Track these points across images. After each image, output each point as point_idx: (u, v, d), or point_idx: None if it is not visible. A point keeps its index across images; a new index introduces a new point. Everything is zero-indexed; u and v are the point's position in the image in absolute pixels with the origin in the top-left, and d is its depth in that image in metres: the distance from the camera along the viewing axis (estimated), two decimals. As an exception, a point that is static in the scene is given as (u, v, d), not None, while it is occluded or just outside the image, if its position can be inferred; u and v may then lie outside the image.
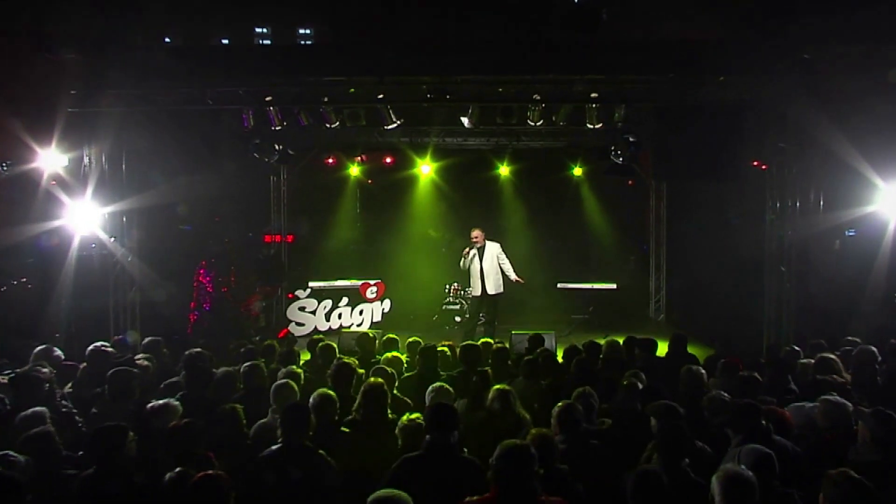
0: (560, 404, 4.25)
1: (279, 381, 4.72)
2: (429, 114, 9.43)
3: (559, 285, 11.12)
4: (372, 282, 10.93)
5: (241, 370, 5.18)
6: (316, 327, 10.49)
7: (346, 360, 5.14)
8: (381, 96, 7.98)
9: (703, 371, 5.23)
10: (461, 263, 9.40)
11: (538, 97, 7.86)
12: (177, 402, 4.28)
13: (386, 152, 12.30)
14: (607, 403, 5.06)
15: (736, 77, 7.41)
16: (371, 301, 10.82)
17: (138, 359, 5.68)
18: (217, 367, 5.52)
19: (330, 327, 10.51)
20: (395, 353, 6.25)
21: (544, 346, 7.24)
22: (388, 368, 5.42)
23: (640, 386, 5.08)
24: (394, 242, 12.54)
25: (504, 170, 12.26)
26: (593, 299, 11.42)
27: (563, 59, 7.50)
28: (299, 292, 10.64)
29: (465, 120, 8.23)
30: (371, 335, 7.18)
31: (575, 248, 12.89)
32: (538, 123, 8.21)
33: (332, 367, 5.18)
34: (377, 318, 10.78)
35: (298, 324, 10.46)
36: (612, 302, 11.67)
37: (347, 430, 4.33)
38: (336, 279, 11.11)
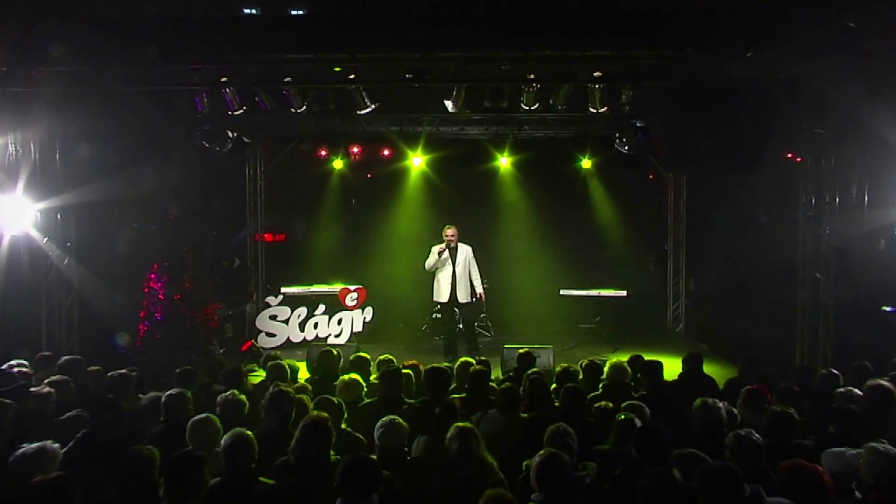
0: (541, 454, 3.57)
1: (197, 417, 4.06)
2: (421, 100, 8.80)
3: (562, 292, 10.38)
4: (352, 287, 10.28)
5: (163, 400, 4.54)
6: (288, 338, 9.83)
7: (284, 388, 4.46)
8: (352, 76, 7.35)
9: (722, 406, 4.49)
10: (428, 263, 8.77)
11: (532, 77, 7.15)
12: (55, 447, 3.62)
13: (378, 144, 11.78)
14: (605, 444, 4.40)
15: (765, 51, 6.64)
16: (351, 309, 10.16)
17: (47, 382, 5.03)
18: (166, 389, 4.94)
19: (304, 338, 9.85)
20: (354, 376, 5.56)
21: (535, 367, 6.56)
22: (336, 399, 4.74)
23: (639, 423, 4.37)
24: (379, 243, 11.99)
25: (504, 162, 11.61)
26: (601, 308, 10.70)
27: (560, 33, 6.78)
28: (270, 299, 10.00)
29: (449, 104, 7.57)
30: (335, 353, 6.52)
31: (584, 248, 12.18)
32: (533, 107, 7.51)
33: (266, 395, 4.52)
34: (357, 328, 10.12)
35: (269, 334, 9.80)
36: (624, 310, 10.95)
37: (270, 482, 3.66)
38: (312, 284, 10.46)
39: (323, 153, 11.45)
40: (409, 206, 12.03)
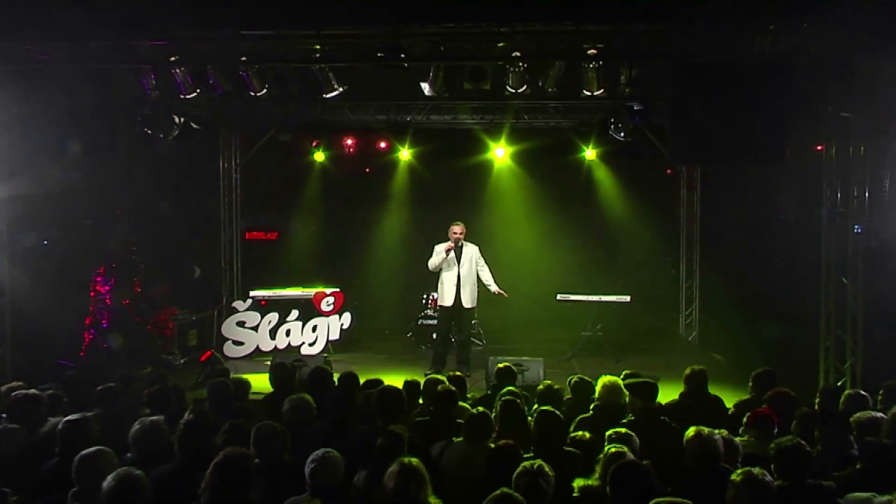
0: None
1: (87, 450, 3.54)
2: (410, 86, 8.28)
3: (559, 297, 9.84)
4: (328, 291, 9.77)
5: (59, 427, 4.02)
6: (258, 347, 9.36)
7: (153, 419, 3.96)
8: (317, 55, 6.85)
9: (718, 437, 3.92)
10: (431, 263, 8.33)
11: (518, 54, 6.59)
12: None
13: (362, 134, 11.34)
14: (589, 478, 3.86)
15: (783, 21, 6.06)
16: (327, 315, 9.65)
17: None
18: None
19: (276, 347, 9.38)
20: (304, 396, 5.04)
21: (518, 383, 6.03)
22: (278, 425, 4.20)
23: (628, 457, 3.81)
24: (363, 242, 11.60)
25: (500, 153, 11.14)
26: (605, 314, 10.12)
27: (550, 3, 6.24)
28: (238, 304, 9.52)
29: (425, 86, 7.05)
30: (288, 366, 6.02)
31: (588, 248, 11.78)
32: (521, 90, 6.95)
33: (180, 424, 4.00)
34: (334, 335, 9.62)
35: (236, 342, 9.32)
36: (632, 316, 10.38)
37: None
38: (284, 287, 9.98)
39: (314, 143, 11.05)
40: (396, 202, 11.67)
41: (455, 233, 8.31)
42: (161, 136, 7.45)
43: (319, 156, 11.29)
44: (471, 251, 8.43)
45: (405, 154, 11.16)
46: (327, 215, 12.05)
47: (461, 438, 4.44)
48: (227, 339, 9.30)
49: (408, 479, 3.29)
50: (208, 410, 4.51)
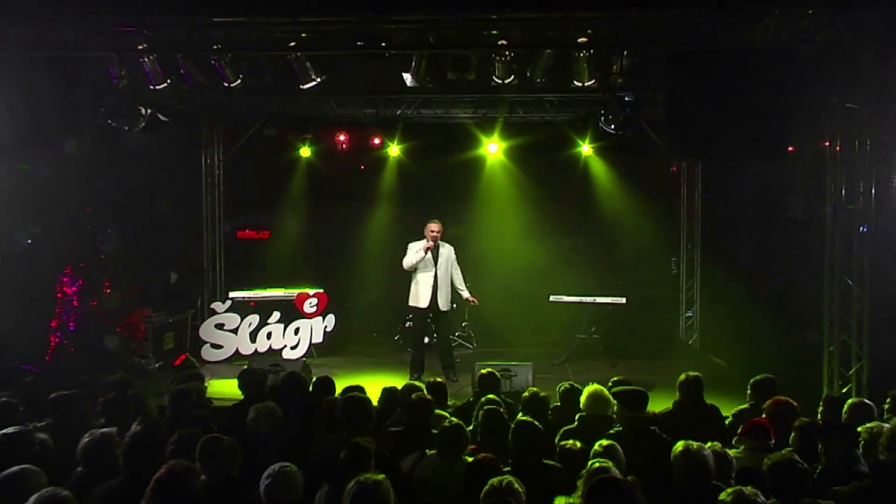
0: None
1: (7, 471, 3.32)
2: (397, 79, 8.08)
3: (552, 298, 9.63)
4: (311, 292, 9.56)
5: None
6: (237, 350, 9.14)
7: (105, 430, 3.75)
8: (293, 44, 6.63)
9: (709, 453, 3.71)
10: (407, 262, 8.15)
11: (504, 42, 6.37)
12: None
13: (359, 130, 11.20)
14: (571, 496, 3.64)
15: (787, 6, 5.83)
16: (310, 316, 9.44)
17: None
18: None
19: (256, 350, 9.16)
20: (269, 404, 4.84)
21: (504, 390, 5.81)
22: (227, 440, 3.97)
23: (613, 474, 3.59)
24: (348, 241, 11.39)
25: (493, 149, 10.90)
26: (602, 316, 9.91)
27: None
28: (217, 305, 9.31)
29: (407, 77, 6.83)
30: (258, 371, 5.81)
31: (584, 247, 11.58)
32: (508, 80, 6.73)
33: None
34: (318, 338, 9.40)
35: (215, 346, 9.11)
36: (630, 318, 10.13)
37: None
38: (266, 288, 9.76)
39: (304, 138, 10.83)
40: (385, 199, 11.42)
41: (432, 231, 8.10)
42: (126, 128, 7.21)
43: (306, 151, 11.08)
44: (447, 252, 8.27)
45: (394, 150, 10.96)
46: (313, 213, 11.83)
47: (434, 451, 4.23)
48: (206, 343, 9.10)
49: (364, 499, 3.08)
50: (160, 421, 4.28)
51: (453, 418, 4.59)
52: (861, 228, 6.66)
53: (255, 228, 12.07)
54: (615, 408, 4.97)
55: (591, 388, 5.00)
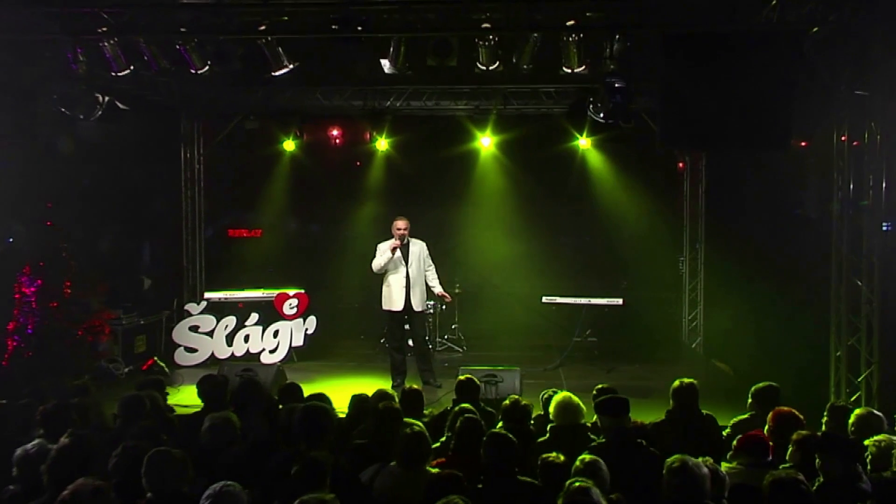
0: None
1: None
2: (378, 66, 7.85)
3: (545, 299, 9.40)
4: (291, 292, 9.33)
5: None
6: (213, 354, 8.92)
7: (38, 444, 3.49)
8: (262, 27, 6.38)
9: (706, 472, 3.43)
10: (376, 264, 7.95)
11: (488, 25, 6.11)
12: None
13: (346, 122, 11.02)
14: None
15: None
16: (290, 318, 9.21)
17: None
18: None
19: (233, 353, 8.94)
20: (229, 415, 4.57)
21: (480, 399, 5.54)
22: (176, 452, 3.71)
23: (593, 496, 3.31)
24: (332, 239, 11.28)
25: (486, 143, 10.69)
26: (598, 318, 9.67)
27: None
28: (191, 306, 9.08)
29: (385, 63, 6.57)
30: (219, 378, 5.56)
31: (582, 246, 11.54)
32: (493, 67, 6.46)
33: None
34: (298, 341, 9.19)
35: (189, 349, 8.88)
36: (629, 320, 9.90)
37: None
38: (242, 288, 9.53)
39: (296, 132, 10.54)
40: (371, 196, 11.20)
41: (399, 229, 7.88)
42: (81, 116, 6.96)
43: (290, 145, 10.84)
44: (418, 249, 8.05)
45: (383, 144, 10.72)
46: (296, 210, 11.70)
47: (395, 462, 3.99)
48: (179, 346, 8.87)
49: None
50: (94, 435, 4.01)
51: (418, 423, 4.35)
52: (884, 227, 6.40)
53: (247, 226, 11.87)
54: (594, 417, 4.73)
55: (560, 396, 4.79)
